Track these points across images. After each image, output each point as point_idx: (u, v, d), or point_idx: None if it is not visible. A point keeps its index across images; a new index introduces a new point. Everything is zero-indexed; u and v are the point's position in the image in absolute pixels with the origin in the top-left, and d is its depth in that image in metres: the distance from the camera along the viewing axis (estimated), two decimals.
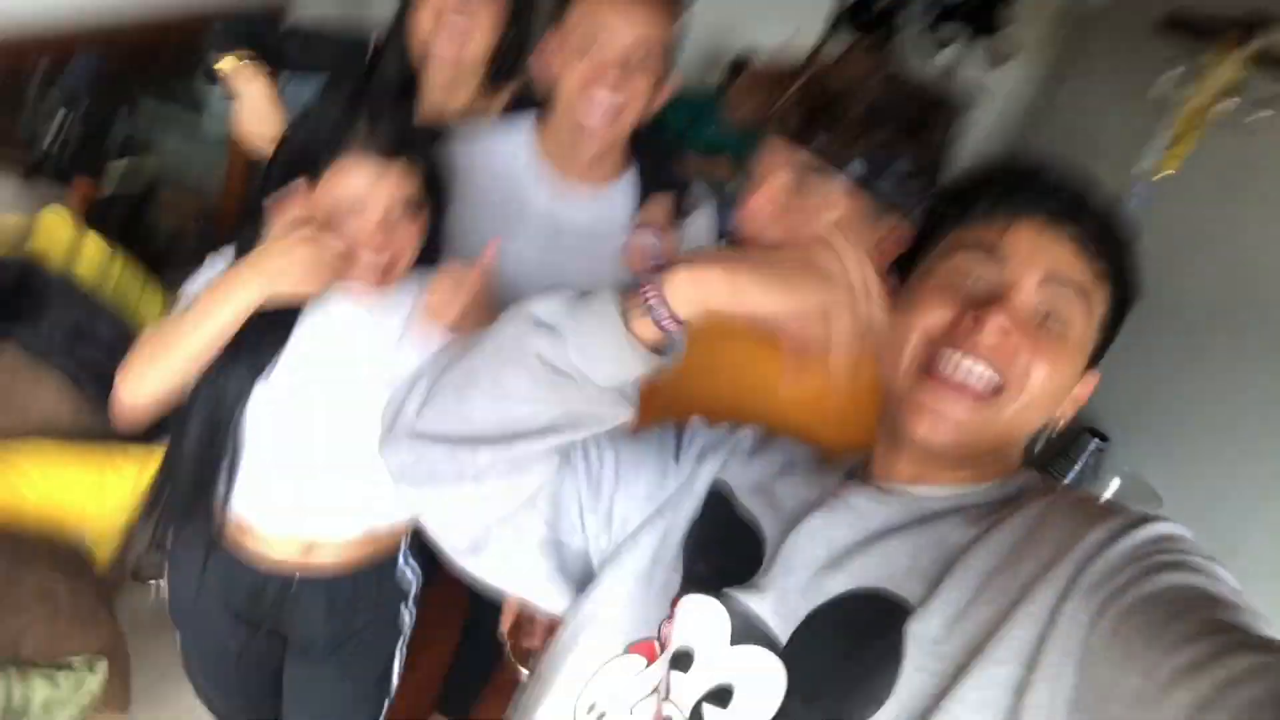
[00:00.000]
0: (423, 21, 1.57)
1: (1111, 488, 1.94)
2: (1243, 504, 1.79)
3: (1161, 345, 2.18)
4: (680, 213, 1.53)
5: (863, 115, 0.97)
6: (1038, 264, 0.79)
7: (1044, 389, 0.78)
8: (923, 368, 0.80)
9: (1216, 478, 1.87)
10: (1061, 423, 0.84)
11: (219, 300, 1.12)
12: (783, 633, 0.75)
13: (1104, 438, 2.49)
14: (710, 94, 3.49)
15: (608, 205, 1.50)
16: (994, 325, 0.76)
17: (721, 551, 0.86)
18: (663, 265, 0.78)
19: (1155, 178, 2.36)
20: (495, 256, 1.23)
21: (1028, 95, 3.94)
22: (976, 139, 4.04)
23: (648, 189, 1.52)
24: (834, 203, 1.00)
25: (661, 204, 1.50)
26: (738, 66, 3.59)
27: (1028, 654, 0.63)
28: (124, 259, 1.62)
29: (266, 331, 1.19)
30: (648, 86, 1.37)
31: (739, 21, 3.61)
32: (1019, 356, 0.77)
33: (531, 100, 1.53)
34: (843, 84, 0.98)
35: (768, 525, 0.86)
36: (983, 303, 0.78)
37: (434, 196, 1.26)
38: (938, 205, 0.91)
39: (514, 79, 1.68)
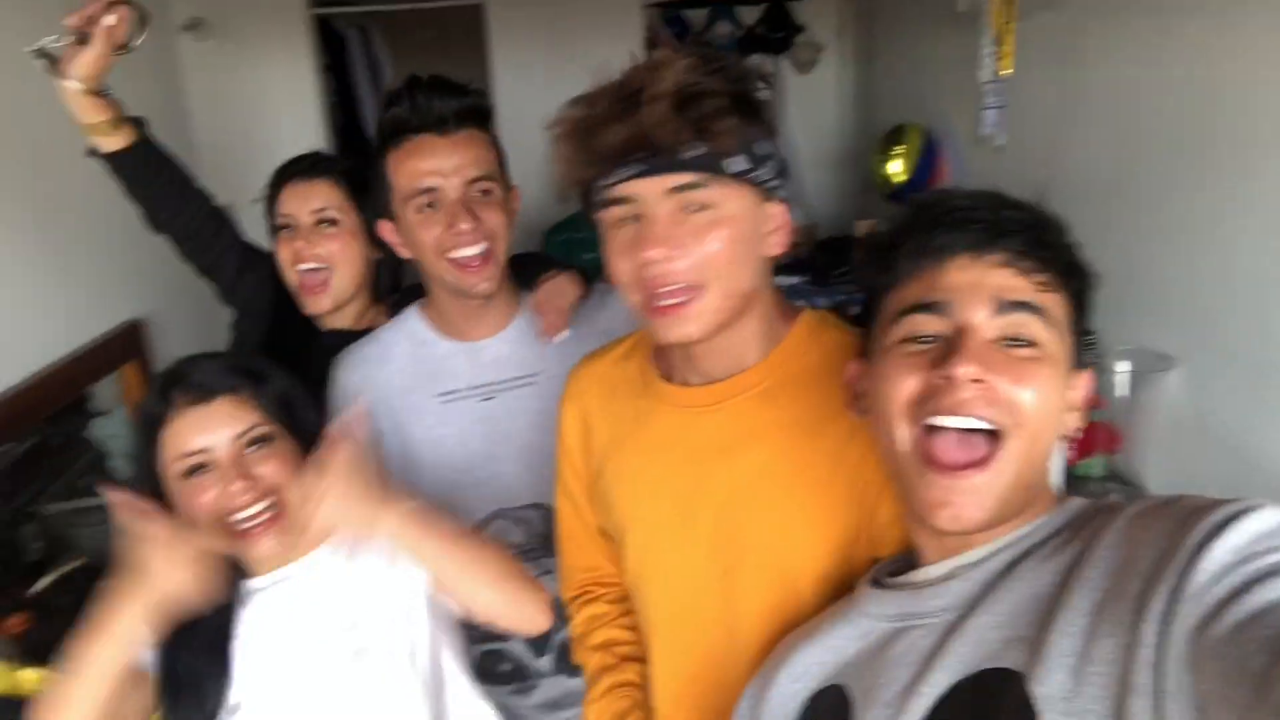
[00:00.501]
0: (287, 275, 1.63)
1: (1123, 370, 1.83)
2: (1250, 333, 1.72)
3: (1084, 218, 2.13)
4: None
5: (726, 105, 0.88)
6: (980, 298, 0.77)
7: (1040, 413, 0.75)
8: (922, 457, 0.78)
9: (1213, 315, 1.80)
10: (1074, 433, 0.83)
11: (99, 636, 1.02)
12: None
13: (1088, 332, 2.39)
14: (578, 215, 3.52)
15: (521, 337, 1.46)
16: (964, 376, 0.74)
17: None
18: None
19: (998, 79, 2.36)
20: (360, 424, 1.09)
21: (853, 77, 4.02)
22: (825, 136, 4.11)
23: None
24: (726, 209, 0.92)
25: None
26: None
27: (1152, 676, 0.59)
28: None
29: (202, 666, 1.10)
30: (501, 217, 1.34)
31: None
32: (1002, 394, 0.75)
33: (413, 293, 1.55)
34: (692, 83, 0.88)
35: (853, 693, 0.83)
36: (943, 359, 0.76)
37: (294, 423, 1.17)
38: (868, 276, 0.88)
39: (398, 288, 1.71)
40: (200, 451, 1.09)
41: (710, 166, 0.89)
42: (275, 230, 1.66)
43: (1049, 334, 0.77)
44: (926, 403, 0.77)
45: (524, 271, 1.51)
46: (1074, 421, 0.82)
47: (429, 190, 1.30)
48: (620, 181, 0.91)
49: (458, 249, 1.30)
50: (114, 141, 1.49)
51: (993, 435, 0.75)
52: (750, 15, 4.02)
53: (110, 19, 1.34)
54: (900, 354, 0.80)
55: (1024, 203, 0.82)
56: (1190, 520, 0.63)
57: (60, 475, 2.24)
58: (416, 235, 1.32)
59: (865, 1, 3.81)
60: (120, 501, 1.04)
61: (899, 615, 0.83)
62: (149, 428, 1.11)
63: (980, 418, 0.75)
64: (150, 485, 1.11)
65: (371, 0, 4.00)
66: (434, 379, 1.44)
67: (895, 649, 0.80)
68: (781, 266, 2.84)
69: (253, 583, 1.16)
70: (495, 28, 3.77)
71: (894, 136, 2.99)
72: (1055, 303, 0.78)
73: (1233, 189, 1.63)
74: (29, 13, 1.85)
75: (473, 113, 1.33)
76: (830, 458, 0.98)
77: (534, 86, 3.56)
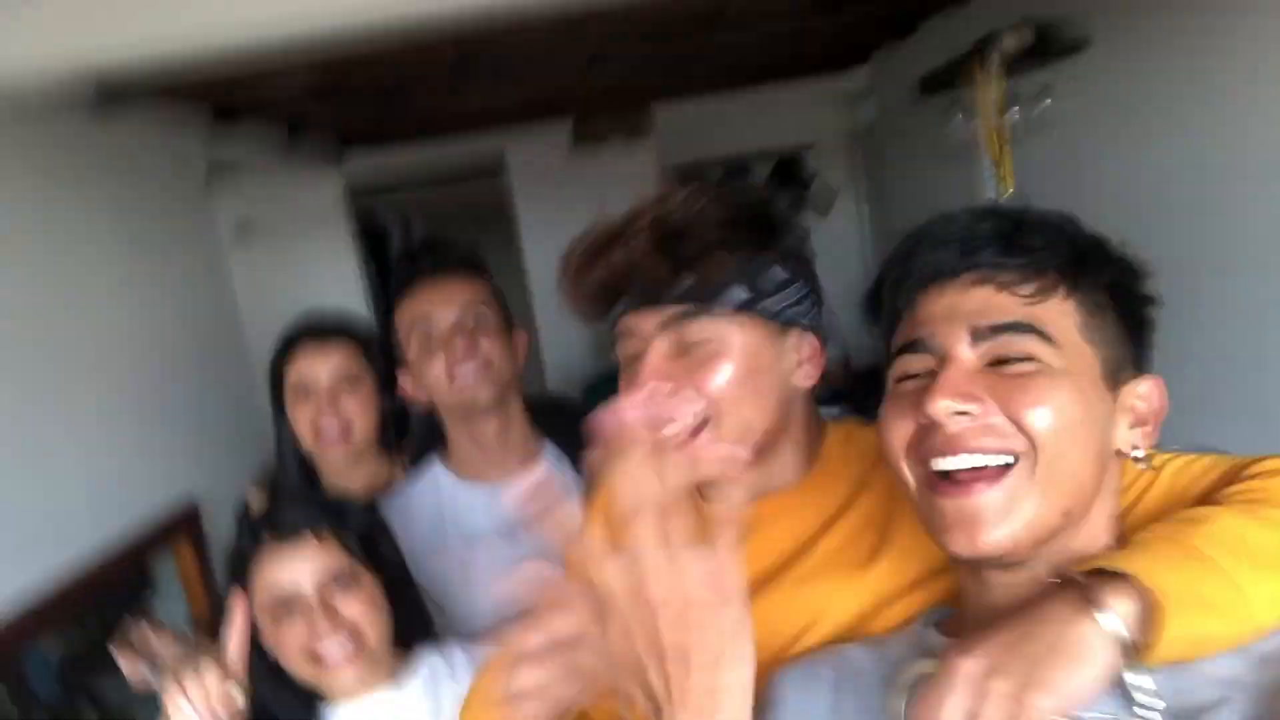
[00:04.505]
0: (302, 432, 1.65)
1: None
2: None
3: None
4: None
5: (715, 237, 0.85)
6: (956, 326, 0.69)
7: (1059, 431, 0.65)
8: (926, 483, 0.70)
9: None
10: (1146, 447, 0.71)
11: None
12: None
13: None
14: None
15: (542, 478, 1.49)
16: (939, 412, 0.66)
17: None
18: None
19: (1003, 199, 2.45)
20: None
21: (869, 214, 4.16)
22: (851, 273, 4.22)
23: (571, 452, 1.53)
24: (726, 343, 0.87)
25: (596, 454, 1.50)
26: None
27: None
28: None
29: None
30: (497, 343, 1.45)
31: None
32: (1000, 419, 0.66)
33: (429, 447, 1.59)
34: (676, 217, 0.86)
35: None
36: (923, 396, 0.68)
37: (374, 560, 1.23)
38: (873, 327, 0.82)
39: (406, 438, 1.73)
40: (288, 594, 1.16)
41: (702, 298, 0.86)
42: (285, 394, 1.68)
43: (1049, 348, 0.67)
44: (921, 446, 0.69)
45: (548, 418, 1.57)
46: (1138, 439, 0.70)
47: (425, 319, 1.44)
48: (617, 316, 0.90)
49: (456, 366, 1.41)
50: None
51: (1002, 465, 0.66)
52: (764, 171, 4.23)
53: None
54: (894, 397, 0.74)
55: (1010, 208, 0.73)
56: None
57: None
58: (423, 370, 1.44)
59: (870, 141, 3.99)
60: None
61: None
62: (240, 563, 1.20)
63: (980, 451, 0.66)
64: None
65: (401, 187, 4.27)
66: (458, 522, 1.50)
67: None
68: (819, 399, 2.86)
69: (337, 708, 1.21)
70: (519, 200, 4.02)
71: None
72: (1057, 311, 0.68)
73: (1221, 297, 1.65)
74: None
75: (460, 260, 1.50)
76: (871, 524, 0.91)
77: (559, 247, 3.73)
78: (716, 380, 0.87)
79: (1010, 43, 2.34)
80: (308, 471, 1.71)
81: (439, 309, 1.43)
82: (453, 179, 4.22)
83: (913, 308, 0.73)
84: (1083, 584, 0.61)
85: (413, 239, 4.46)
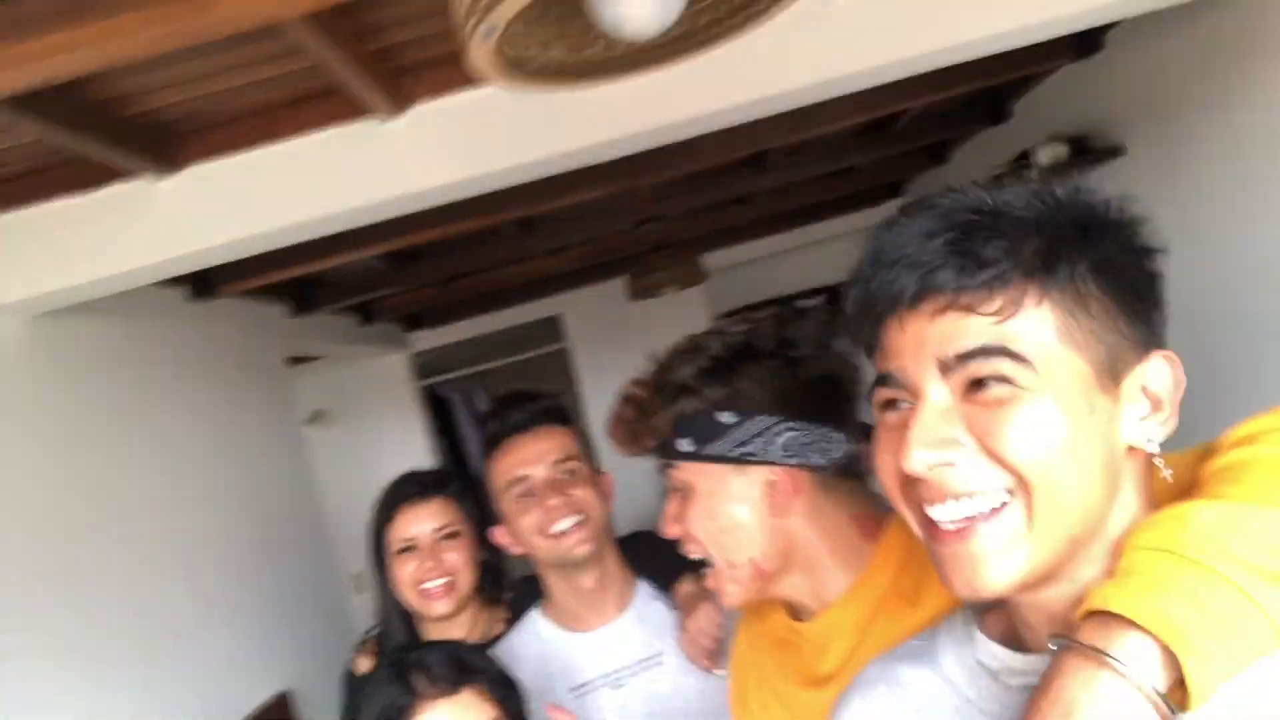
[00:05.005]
0: (406, 588, 1.68)
1: None
2: None
3: None
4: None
5: (668, 398, 1.00)
6: (923, 361, 0.63)
7: (1045, 460, 0.60)
8: (924, 528, 0.66)
9: None
10: (1163, 435, 0.63)
11: None
12: None
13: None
14: None
15: (640, 619, 1.51)
16: (919, 466, 0.62)
17: None
18: None
19: None
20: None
21: None
22: None
23: (665, 582, 1.53)
24: (691, 486, 1.00)
25: (687, 584, 1.50)
26: None
27: None
28: None
29: None
30: (590, 492, 1.46)
31: None
32: (984, 458, 0.61)
33: (531, 597, 1.60)
34: (647, 384, 1.04)
35: None
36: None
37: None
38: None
39: (503, 590, 1.74)
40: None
41: (666, 452, 1.02)
42: (388, 554, 1.71)
43: (1023, 368, 0.60)
44: (913, 489, 0.65)
45: (635, 551, 1.57)
46: (1152, 428, 0.63)
47: (521, 479, 1.46)
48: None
49: (555, 523, 1.42)
50: None
51: (997, 503, 0.62)
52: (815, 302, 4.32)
53: None
54: (881, 430, 0.69)
55: (967, 207, 0.64)
56: None
57: None
58: (519, 524, 1.45)
59: None
60: None
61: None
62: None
63: (969, 495, 0.62)
64: None
65: (468, 364, 4.45)
66: (565, 674, 1.48)
67: None
68: None
69: None
70: (578, 354, 4.18)
71: None
72: (1031, 321, 0.61)
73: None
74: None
75: (547, 412, 1.52)
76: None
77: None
78: (692, 521, 1.00)
79: (1046, 157, 2.42)
80: (410, 629, 1.73)
81: (532, 464, 1.46)
82: (515, 344, 4.39)
83: (882, 334, 0.67)
84: (1088, 648, 0.56)
85: (475, 406, 4.58)
